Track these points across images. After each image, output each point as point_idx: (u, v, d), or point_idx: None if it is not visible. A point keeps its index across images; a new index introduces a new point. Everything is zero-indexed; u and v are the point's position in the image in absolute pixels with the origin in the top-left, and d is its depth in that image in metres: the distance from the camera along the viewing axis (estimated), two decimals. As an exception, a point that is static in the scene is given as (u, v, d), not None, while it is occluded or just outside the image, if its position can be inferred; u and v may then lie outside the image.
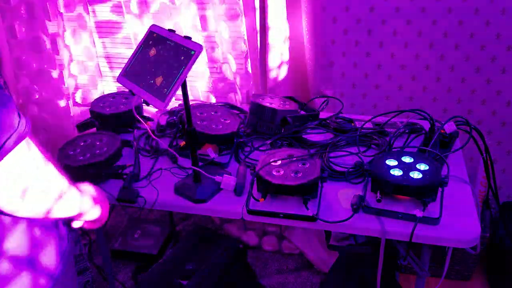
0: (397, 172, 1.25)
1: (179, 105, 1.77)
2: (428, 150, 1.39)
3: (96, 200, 1.03)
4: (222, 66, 1.91)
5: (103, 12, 2.00)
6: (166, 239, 2.12)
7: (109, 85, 2.14)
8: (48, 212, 0.85)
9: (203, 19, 1.84)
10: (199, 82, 1.97)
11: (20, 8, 1.89)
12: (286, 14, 1.71)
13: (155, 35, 1.23)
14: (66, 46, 2.01)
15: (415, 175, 1.24)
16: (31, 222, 0.90)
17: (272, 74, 1.79)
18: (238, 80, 1.91)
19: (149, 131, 1.29)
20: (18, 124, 0.74)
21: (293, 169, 1.29)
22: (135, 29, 1.91)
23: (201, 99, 1.99)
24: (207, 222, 2.25)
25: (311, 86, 1.83)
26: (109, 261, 1.74)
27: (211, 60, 1.91)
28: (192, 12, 1.83)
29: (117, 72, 1.29)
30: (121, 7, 1.90)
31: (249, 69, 1.89)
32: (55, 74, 2.03)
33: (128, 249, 2.06)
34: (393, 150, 1.46)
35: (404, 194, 1.25)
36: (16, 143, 0.74)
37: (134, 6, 1.86)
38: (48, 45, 1.97)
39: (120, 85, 1.26)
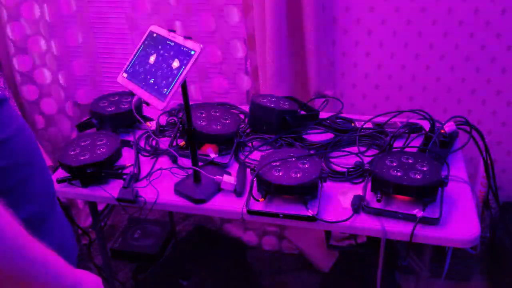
0: (397, 172, 1.25)
1: (179, 105, 1.77)
2: (428, 150, 1.39)
3: None
4: (222, 66, 1.91)
5: (103, 11, 2.00)
6: (166, 239, 2.12)
7: (109, 85, 2.13)
8: None
9: (203, 18, 1.84)
10: (199, 82, 1.97)
11: (19, 7, 1.89)
12: (286, 14, 1.71)
13: (155, 35, 1.23)
14: (66, 45, 2.01)
15: (415, 175, 1.24)
16: None
17: (272, 74, 1.79)
18: (238, 80, 1.91)
19: (149, 131, 1.29)
20: None
21: (293, 169, 1.29)
22: (135, 28, 1.91)
23: (201, 99, 1.99)
24: (207, 222, 2.25)
25: (311, 86, 1.83)
26: (109, 261, 1.74)
27: (211, 60, 1.91)
28: (192, 12, 1.83)
29: (118, 72, 1.29)
30: (121, 7, 1.90)
31: (249, 69, 1.89)
32: (55, 74, 2.03)
33: (128, 249, 2.06)
34: (393, 150, 1.46)
35: (404, 194, 1.25)
36: None
37: (133, 5, 1.86)
38: (47, 44, 1.97)
39: (121, 85, 1.26)
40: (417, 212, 1.18)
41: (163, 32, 1.21)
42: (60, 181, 1.37)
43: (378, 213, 1.23)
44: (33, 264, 0.66)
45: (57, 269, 0.71)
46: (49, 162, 1.89)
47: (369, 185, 1.30)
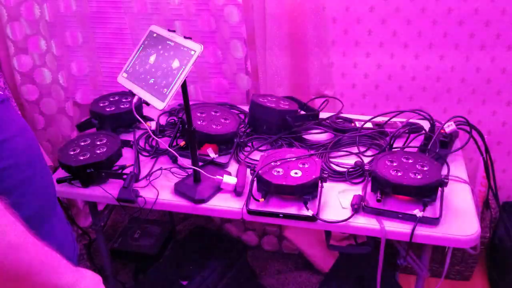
0: (397, 172, 1.25)
1: (179, 105, 1.77)
2: (428, 150, 1.39)
3: None
4: (222, 66, 1.91)
5: (103, 11, 2.00)
6: (166, 239, 2.12)
7: (109, 85, 2.13)
8: None
9: (203, 18, 1.84)
10: (199, 82, 1.97)
11: (19, 7, 1.89)
12: (286, 14, 1.71)
13: (155, 35, 1.23)
14: (66, 45, 2.01)
15: (415, 175, 1.24)
16: None
17: (272, 74, 1.79)
18: (238, 80, 1.91)
19: (149, 131, 1.29)
20: None
21: (293, 169, 1.29)
22: (135, 28, 1.91)
23: (201, 99, 1.99)
24: (207, 222, 2.25)
25: (311, 86, 1.83)
26: (109, 261, 1.74)
27: (211, 60, 1.91)
28: (192, 12, 1.83)
29: (118, 72, 1.29)
30: (121, 7, 1.90)
31: (249, 69, 1.89)
32: (55, 74, 2.03)
33: (128, 249, 2.06)
34: (393, 150, 1.46)
35: (404, 194, 1.25)
36: None
37: (133, 5, 1.86)
38: (48, 45, 1.97)
39: (121, 85, 1.26)
40: (417, 212, 1.19)
41: (163, 32, 1.21)
42: (60, 181, 1.37)
43: (378, 213, 1.23)
44: (35, 262, 0.67)
45: (58, 267, 0.72)
46: (49, 162, 1.89)
47: (369, 185, 1.30)
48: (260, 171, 1.27)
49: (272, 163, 1.31)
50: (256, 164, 1.36)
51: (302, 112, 1.65)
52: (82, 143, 1.44)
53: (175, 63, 1.13)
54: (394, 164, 1.28)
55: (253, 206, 1.28)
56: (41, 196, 0.89)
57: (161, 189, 1.36)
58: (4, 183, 0.79)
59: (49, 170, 0.96)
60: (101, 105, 1.65)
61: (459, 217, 1.21)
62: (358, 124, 1.61)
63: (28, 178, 0.84)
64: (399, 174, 1.24)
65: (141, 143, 1.58)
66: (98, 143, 1.44)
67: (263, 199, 1.27)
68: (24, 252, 0.65)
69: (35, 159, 0.88)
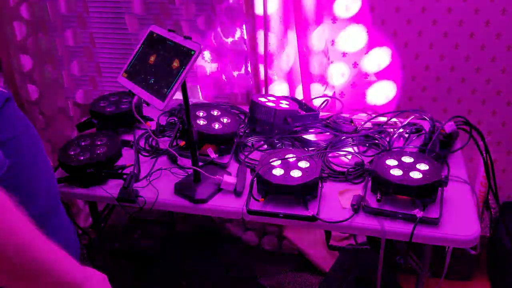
0: (397, 172, 1.25)
1: (179, 105, 1.77)
2: (428, 150, 1.39)
3: None
4: (222, 66, 1.91)
5: (103, 11, 2.00)
6: (166, 239, 2.12)
7: (109, 85, 2.13)
8: None
9: (203, 19, 1.84)
10: (199, 82, 1.97)
11: (20, 7, 1.89)
12: (286, 13, 1.71)
13: (155, 35, 1.23)
14: (66, 45, 2.01)
15: (415, 175, 1.24)
16: None
17: (272, 74, 1.79)
18: (238, 80, 1.91)
19: (149, 131, 1.29)
20: None
21: (293, 169, 1.29)
22: (134, 29, 1.91)
23: (201, 99, 1.99)
24: (207, 222, 2.25)
25: (311, 86, 1.83)
26: (109, 261, 1.74)
27: (211, 60, 1.91)
28: (192, 12, 1.83)
29: (118, 72, 1.29)
30: (121, 7, 1.90)
31: (249, 69, 1.89)
32: (55, 74, 2.03)
33: (128, 249, 2.07)
34: (393, 150, 1.46)
35: (404, 194, 1.25)
36: None
37: (133, 5, 1.86)
38: (48, 45, 1.97)
39: (120, 85, 1.26)
40: (417, 212, 1.19)
41: (163, 32, 1.21)
42: (60, 181, 1.37)
43: (378, 213, 1.23)
44: (45, 260, 0.67)
45: (67, 265, 0.72)
46: (49, 162, 1.89)
47: (369, 185, 1.30)
48: (260, 171, 1.27)
49: (272, 163, 1.31)
50: (256, 164, 1.37)
51: (302, 112, 1.65)
52: (82, 143, 1.44)
53: (175, 63, 1.13)
54: (394, 164, 1.28)
55: (253, 206, 1.28)
56: (46, 193, 0.89)
57: (161, 189, 1.36)
58: (12, 181, 0.79)
59: (51, 168, 0.96)
60: (101, 105, 1.65)
61: (459, 217, 1.21)
62: (358, 124, 1.61)
63: (33, 176, 0.85)
64: (399, 174, 1.24)
65: (141, 143, 1.58)
66: (98, 143, 1.44)
67: (263, 199, 1.27)
68: (35, 250, 0.65)
69: (39, 157, 0.88)
